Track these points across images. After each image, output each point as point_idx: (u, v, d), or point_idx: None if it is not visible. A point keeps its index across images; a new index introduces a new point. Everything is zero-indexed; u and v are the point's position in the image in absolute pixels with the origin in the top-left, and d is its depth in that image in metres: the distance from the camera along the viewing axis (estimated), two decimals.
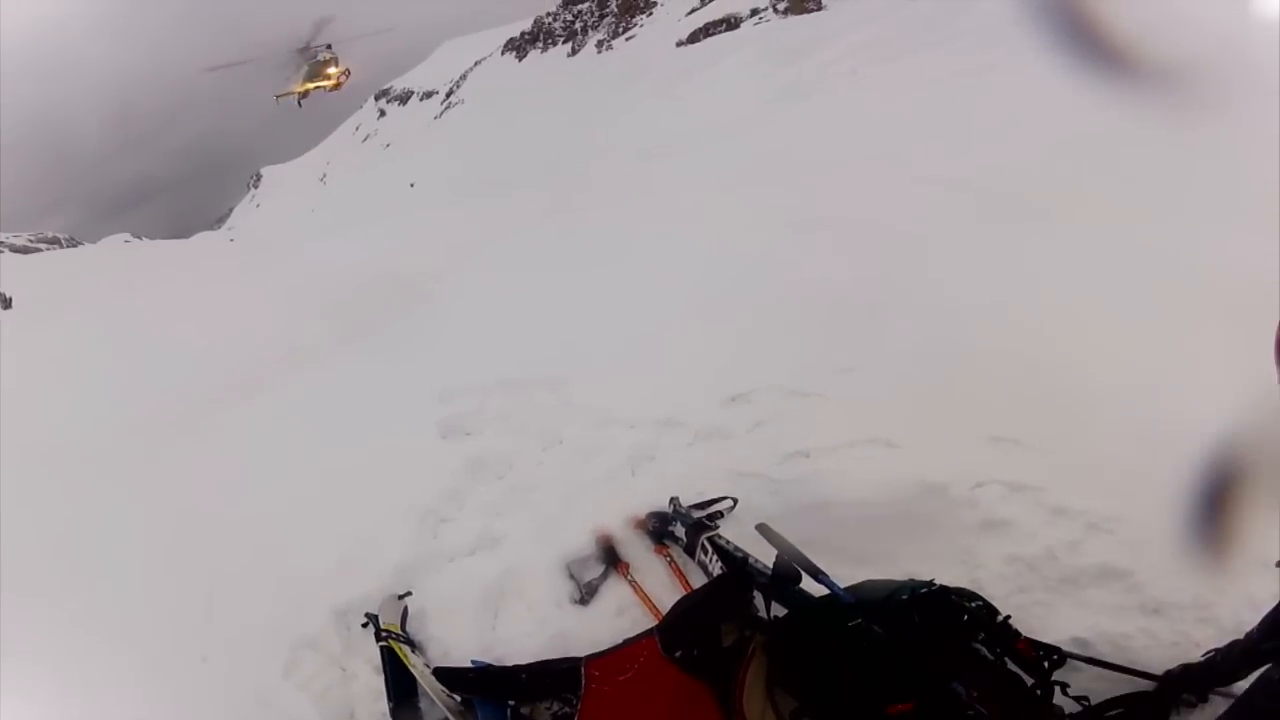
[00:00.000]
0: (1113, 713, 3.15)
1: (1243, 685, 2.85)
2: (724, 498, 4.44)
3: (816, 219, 7.92)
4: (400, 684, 3.87)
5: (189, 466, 5.90)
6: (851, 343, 5.39)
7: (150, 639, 4.34)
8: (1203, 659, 3.16)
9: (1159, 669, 3.23)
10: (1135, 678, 3.25)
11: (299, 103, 46.70)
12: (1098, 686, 3.17)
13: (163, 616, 4.45)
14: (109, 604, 4.64)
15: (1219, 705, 2.99)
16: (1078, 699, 3.07)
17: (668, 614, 3.62)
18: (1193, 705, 3.15)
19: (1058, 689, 2.99)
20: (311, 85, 43.96)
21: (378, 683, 3.96)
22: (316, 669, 4.11)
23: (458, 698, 3.64)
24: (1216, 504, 2.46)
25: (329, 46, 43.86)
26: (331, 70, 43.74)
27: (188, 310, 10.95)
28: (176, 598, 4.55)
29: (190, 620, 4.39)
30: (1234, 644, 2.95)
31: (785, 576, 3.48)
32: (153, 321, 10.55)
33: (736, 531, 4.11)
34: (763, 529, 3.67)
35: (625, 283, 7.35)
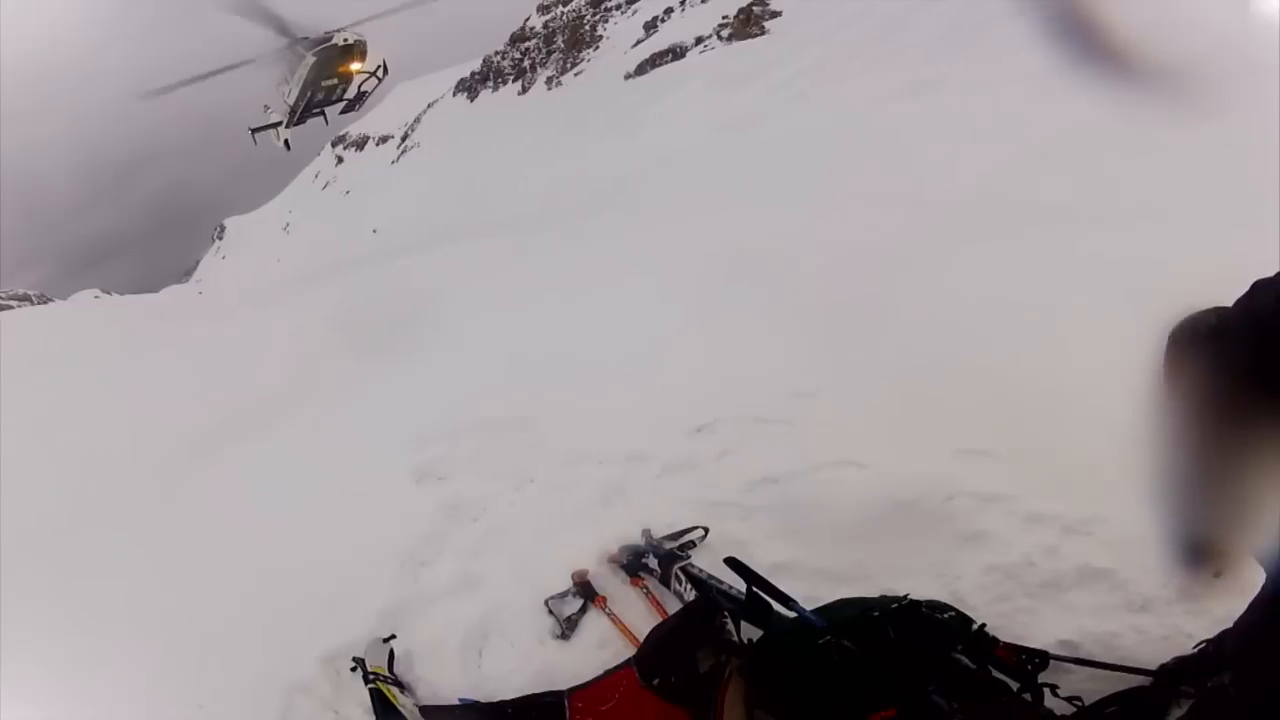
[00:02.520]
0: (1109, 710, 3.04)
1: None
2: (695, 527, 4.43)
3: (764, 245, 8.02)
4: None
5: (173, 519, 5.83)
6: (811, 367, 5.42)
7: (147, 687, 4.29)
8: (1195, 650, 3.08)
9: (1153, 664, 3.14)
10: (1128, 674, 3.13)
11: (285, 142, 34.12)
12: (1091, 686, 3.10)
13: (158, 664, 4.39)
14: (104, 652, 4.57)
15: None
16: (1070, 700, 3.01)
17: (643, 643, 3.59)
18: (1192, 697, 2.97)
19: (1048, 692, 2.97)
20: (325, 83, 29.91)
21: None
22: (310, 714, 4.06)
23: None
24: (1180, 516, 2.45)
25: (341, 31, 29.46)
26: (355, 65, 29.48)
27: (163, 365, 10.89)
28: (169, 647, 4.50)
29: (184, 669, 4.33)
30: (1225, 633, 2.87)
31: (755, 608, 3.52)
32: (129, 378, 10.49)
33: (710, 560, 4.09)
34: (730, 562, 3.62)
35: (585, 321, 7.36)
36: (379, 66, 30.84)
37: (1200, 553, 2.22)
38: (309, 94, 30.92)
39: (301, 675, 4.19)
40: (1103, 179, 7.05)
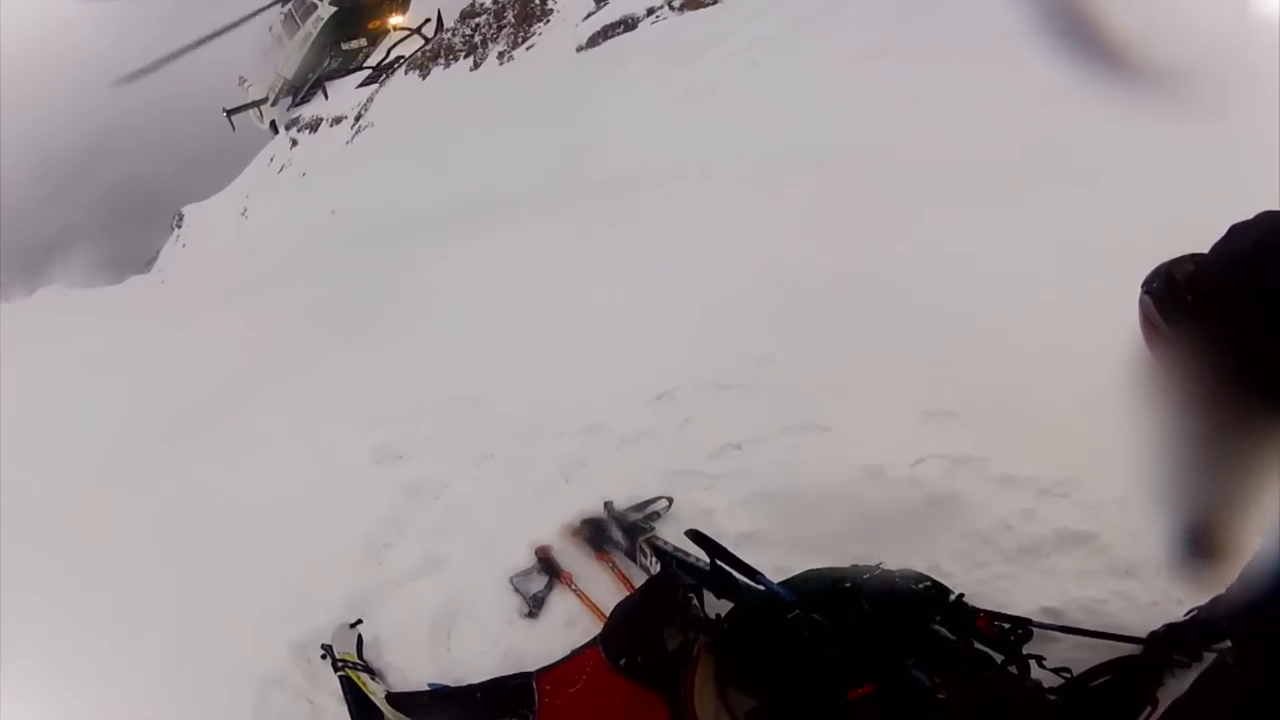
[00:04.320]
0: (1099, 681, 2.97)
1: None
2: (659, 498, 4.37)
3: (721, 212, 7.93)
4: (364, 712, 3.76)
5: (136, 515, 5.71)
6: (769, 331, 5.36)
7: (126, 689, 4.23)
8: (1186, 618, 3.00)
9: (1142, 632, 3.08)
10: (1117, 642, 3.08)
11: (272, 124, 27.13)
12: (1079, 656, 3.05)
13: (133, 666, 4.34)
14: (81, 652, 4.54)
15: None
16: (1057, 671, 2.95)
17: (607, 622, 3.52)
18: (1186, 665, 2.97)
19: (1034, 663, 2.89)
20: (347, 45, 22.01)
21: (346, 714, 3.85)
22: (286, 706, 4.02)
23: None
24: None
25: None
26: (394, 19, 22.56)
27: (123, 359, 10.73)
28: (145, 645, 4.44)
29: (159, 668, 4.29)
30: (1218, 599, 2.77)
31: (720, 581, 3.44)
32: (88, 374, 10.35)
33: (677, 530, 3.97)
34: (692, 535, 3.58)
35: (538, 295, 7.29)
36: (427, 20, 22.05)
37: (1201, 527, 2.12)
38: (324, 61, 22.43)
39: (274, 666, 4.15)
40: (1063, 142, 6.99)
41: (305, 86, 24.54)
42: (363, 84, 24.19)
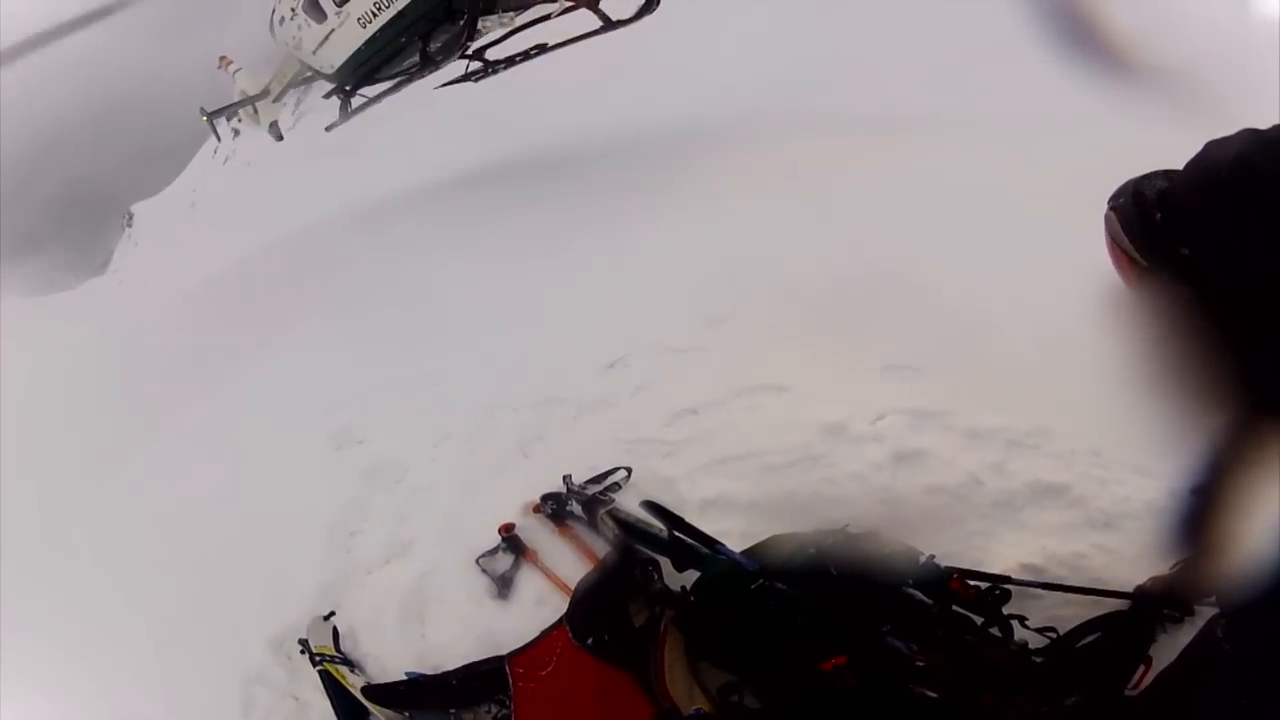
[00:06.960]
0: (1088, 639, 2.80)
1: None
2: (618, 468, 4.27)
3: (650, 179, 7.93)
4: (347, 706, 3.66)
5: (107, 520, 5.69)
6: (716, 293, 5.29)
7: (113, 692, 4.19)
8: (1173, 570, 2.82)
9: (1128, 586, 2.91)
10: (1102, 598, 2.92)
11: (274, 125, 16.27)
12: (1064, 613, 2.91)
13: (120, 669, 4.29)
14: (66, 658, 4.47)
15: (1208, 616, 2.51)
16: (1042, 631, 2.80)
17: (570, 602, 3.39)
18: (1178, 622, 2.82)
19: (1016, 624, 2.74)
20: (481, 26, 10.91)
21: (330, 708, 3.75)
22: (271, 703, 3.95)
23: (405, 714, 3.47)
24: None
25: None
26: None
27: (86, 365, 10.70)
28: (127, 649, 4.38)
29: (145, 671, 4.23)
30: (1205, 552, 2.43)
31: (681, 552, 3.34)
32: (55, 383, 10.30)
33: (638, 500, 3.84)
34: (647, 505, 3.50)
35: (479, 272, 7.24)
36: None
37: (1196, 483, 1.99)
38: (432, 48, 11.39)
39: (255, 664, 4.09)
40: (1019, 93, 6.98)
41: (382, 91, 13.10)
42: (459, 79, 13.10)
